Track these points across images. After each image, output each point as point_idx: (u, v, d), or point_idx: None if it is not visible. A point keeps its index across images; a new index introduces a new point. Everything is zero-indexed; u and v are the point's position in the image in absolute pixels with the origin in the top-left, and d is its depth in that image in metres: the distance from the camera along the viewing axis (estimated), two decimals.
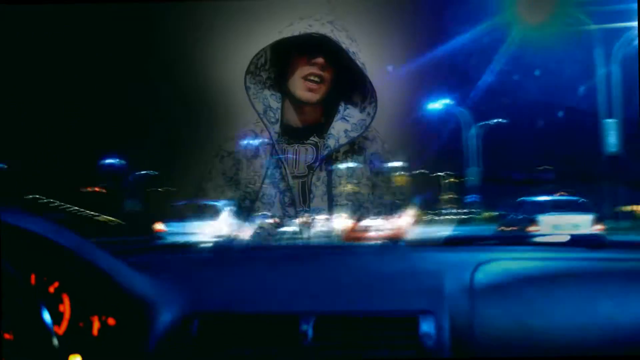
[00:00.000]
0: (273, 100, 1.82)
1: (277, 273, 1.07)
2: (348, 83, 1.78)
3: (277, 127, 1.81)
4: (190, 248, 1.36)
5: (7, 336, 0.87)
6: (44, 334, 0.85)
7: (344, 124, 1.79)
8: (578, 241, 1.19)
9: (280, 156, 1.81)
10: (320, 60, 1.72)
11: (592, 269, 1.07)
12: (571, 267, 1.08)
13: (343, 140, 1.78)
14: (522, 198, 9.17)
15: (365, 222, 1.78)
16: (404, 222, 1.77)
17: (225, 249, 1.25)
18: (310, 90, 1.75)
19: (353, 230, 1.76)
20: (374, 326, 0.96)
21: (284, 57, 1.80)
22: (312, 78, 1.73)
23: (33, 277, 0.92)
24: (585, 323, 0.96)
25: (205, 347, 0.94)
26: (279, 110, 1.82)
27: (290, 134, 1.83)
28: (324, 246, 1.20)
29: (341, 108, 1.80)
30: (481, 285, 1.01)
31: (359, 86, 1.77)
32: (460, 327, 0.97)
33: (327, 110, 1.82)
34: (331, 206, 1.77)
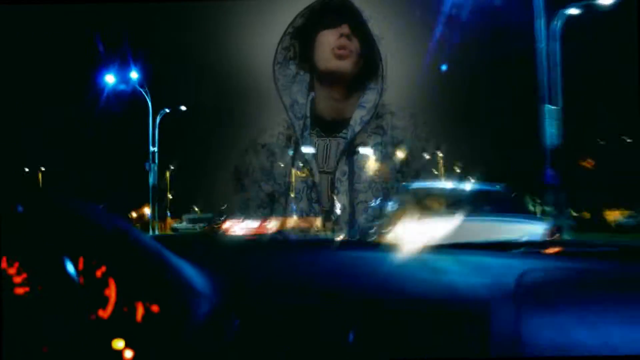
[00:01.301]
0: (300, 95, 1.79)
1: (321, 266, 1.06)
2: (368, 58, 1.74)
3: (301, 123, 1.78)
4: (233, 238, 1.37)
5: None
6: (79, 318, 0.87)
7: (361, 111, 1.76)
8: (634, 251, 1.15)
9: (310, 151, 1.79)
10: (345, 29, 1.69)
11: None
12: (624, 279, 1.04)
13: (358, 128, 1.75)
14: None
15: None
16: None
17: (268, 240, 1.25)
18: (340, 57, 1.72)
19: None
20: (416, 326, 0.95)
21: (309, 34, 1.77)
22: (340, 47, 1.70)
23: (81, 260, 0.94)
24: (633, 339, 0.93)
25: (245, 337, 0.94)
26: (305, 106, 1.79)
27: (321, 127, 1.81)
28: (366, 244, 1.19)
29: (360, 91, 1.76)
30: (526, 292, 0.99)
31: (375, 61, 1.73)
32: (504, 334, 0.95)
33: (352, 92, 1.77)
34: (352, 202, 1.74)
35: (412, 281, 1.01)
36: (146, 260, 0.92)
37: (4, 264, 0.91)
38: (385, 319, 0.96)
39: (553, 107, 9.30)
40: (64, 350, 0.89)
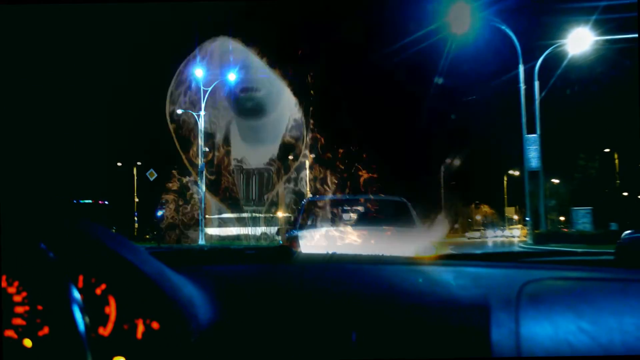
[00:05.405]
0: None
1: (321, 286, 1.06)
2: None
3: None
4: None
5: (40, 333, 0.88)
6: (79, 337, 0.86)
7: None
8: (626, 260, 1.16)
9: None
10: None
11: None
12: (618, 288, 1.04)
13: None
14: None
15: None
16: None
17: (272, 262, 1.25)
18: None
19: None
20: (420, 337, 0.95)
21: None
22: None
23: (81, 278, 0.93)
24: (632, 345, 0.93)
25: (240, 353, 0.94)
26: None
27: None
28: (371, 259, 1.19)
29: None
30: (527, 303, 0.99)
31: None
32: (505, 344, 0.95)
33: None
34: None
35: (414, 294, 1.01)
36: (147, 278, 0.92)
37: (4, 283, 0.91)
38: (387, 325, 0.96)
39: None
40: None
